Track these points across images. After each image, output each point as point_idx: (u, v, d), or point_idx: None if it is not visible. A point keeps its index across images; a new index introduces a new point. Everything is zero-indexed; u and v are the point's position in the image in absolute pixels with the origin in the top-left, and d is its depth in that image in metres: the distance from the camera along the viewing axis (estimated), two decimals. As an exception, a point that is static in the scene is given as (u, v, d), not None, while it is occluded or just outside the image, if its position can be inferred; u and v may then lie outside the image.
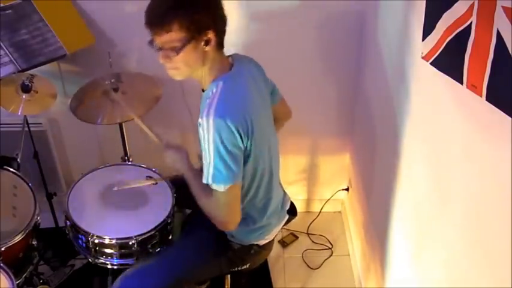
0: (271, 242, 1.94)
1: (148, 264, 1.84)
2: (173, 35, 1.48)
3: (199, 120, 1.54)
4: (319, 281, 2.66)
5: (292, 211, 1.98)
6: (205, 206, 1.68)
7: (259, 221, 1.81)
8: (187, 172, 1.74)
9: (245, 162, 1.61)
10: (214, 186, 1.56)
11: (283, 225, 1.97)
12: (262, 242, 1.87)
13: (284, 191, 1.95)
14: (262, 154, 1.67)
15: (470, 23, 1.17)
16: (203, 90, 1.65)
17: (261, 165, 1.69)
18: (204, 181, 1.58)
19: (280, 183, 1.91)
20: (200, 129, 1.54)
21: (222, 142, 1.50)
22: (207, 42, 1.53)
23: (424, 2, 1.45)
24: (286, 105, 1.95)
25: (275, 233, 1.92)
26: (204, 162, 1.57)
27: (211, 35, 1.52)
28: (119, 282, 1.80)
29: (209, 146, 1.52)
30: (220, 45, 1.59)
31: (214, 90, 1.57)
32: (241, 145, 1.55)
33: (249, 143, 1.57)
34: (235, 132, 1.51)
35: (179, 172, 1.78)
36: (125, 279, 1.80)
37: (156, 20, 1.48)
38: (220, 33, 1.57)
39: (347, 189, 2.90)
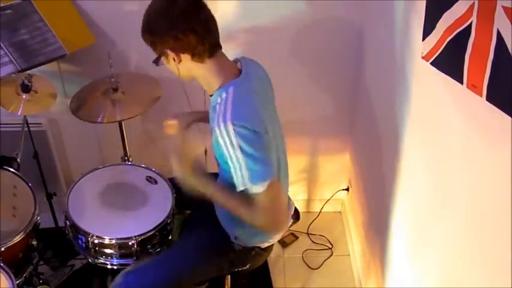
0: (272, 244, 1.94)
1: (148, 264, 1.84)
2: (152, 50, 1.60)
3: (216, 129, 1.50)
4: (319, 281, 2.66)
5: (296, 215, 1.98)
6: (247, 216, 1.60)
7: None
8: (209, 190, 1.64)
9: None
10: (254, 189, 1.50)
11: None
12: (264, 245, 1.87)
13: (289, 196, 1.95)
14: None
15: (471, 23, 1.17)
16: (211, 96, 1.63)
17: None
18: (241, 187, 1.51)
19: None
20: (220, 139, 1.49)
21: (246, 142, 1.46)
22: (174, 59, 1.56)
23: (424, 2, 1.45)
24: None
25: (278, 236, 1.92)
26: (233, 171, 1.51)
27: (172, 54, 1.54)
28: (118, 281, 1.79)
29: (235, 150, 1.47)
30: (199, 56, 1.55)
31: (224, 96, 1.54)
32: (263, 143, 1.51)
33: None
34: (255, 132, 1.48)
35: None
36: (124, 278, 1.80)
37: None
38: (197, 46, 1.53)
39: (347, 189, 2.90)
